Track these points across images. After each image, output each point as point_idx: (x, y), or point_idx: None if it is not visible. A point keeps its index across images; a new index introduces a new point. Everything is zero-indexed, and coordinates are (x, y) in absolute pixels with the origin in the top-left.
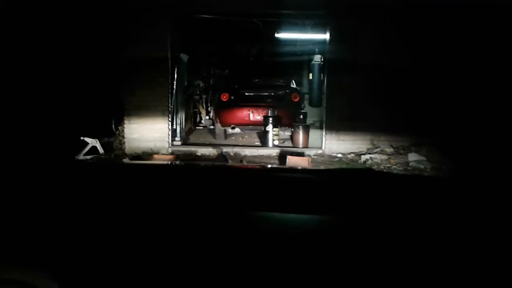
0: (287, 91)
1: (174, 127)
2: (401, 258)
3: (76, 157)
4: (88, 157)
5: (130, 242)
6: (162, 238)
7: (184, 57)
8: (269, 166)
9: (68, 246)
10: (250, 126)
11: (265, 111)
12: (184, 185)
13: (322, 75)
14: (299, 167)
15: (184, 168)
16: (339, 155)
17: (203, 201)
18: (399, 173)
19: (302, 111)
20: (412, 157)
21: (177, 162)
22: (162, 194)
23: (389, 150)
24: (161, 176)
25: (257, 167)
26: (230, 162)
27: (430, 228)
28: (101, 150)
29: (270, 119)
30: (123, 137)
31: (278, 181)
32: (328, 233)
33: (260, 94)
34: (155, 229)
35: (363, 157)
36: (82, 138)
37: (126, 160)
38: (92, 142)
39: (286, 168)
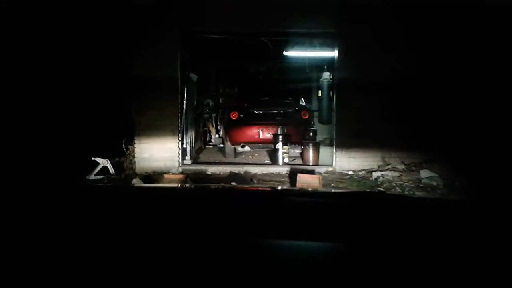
0: (297, 108)
1: (184, 146)
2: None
3: (87, 177)
4: (99, 177)
5: (138, 272)
6: (169, 267)
7: (194, 76)
8: (280, 188)
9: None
10: (260, 144)
11: (274, 129)
12: (187, 213)
13: (331, 92)
14: (310, 189)
15: (187, 193)
16: (350, 172)
17: (207, 228)
18: (409, 193)
19: (312, 128)
20: (424, 173)
21: (186, 185)
22: (166, 221)
23: (401, 167)
24: (164, 203)
25: (268, 189)
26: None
27: (447, 255)
28: (111, 170)
29: (280, 137)
30: (133, 156)
31: (291, 205)
32: (337, 261)
33: (270, 112)
34: (161, 256)
35: (375, 174)
36: (93, 158)
37: (136, 180)
38: (103, 162)
39: (297, 191)
